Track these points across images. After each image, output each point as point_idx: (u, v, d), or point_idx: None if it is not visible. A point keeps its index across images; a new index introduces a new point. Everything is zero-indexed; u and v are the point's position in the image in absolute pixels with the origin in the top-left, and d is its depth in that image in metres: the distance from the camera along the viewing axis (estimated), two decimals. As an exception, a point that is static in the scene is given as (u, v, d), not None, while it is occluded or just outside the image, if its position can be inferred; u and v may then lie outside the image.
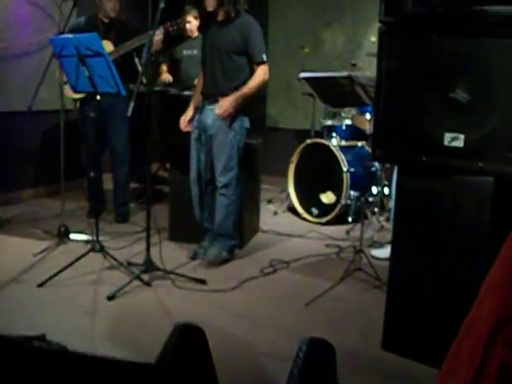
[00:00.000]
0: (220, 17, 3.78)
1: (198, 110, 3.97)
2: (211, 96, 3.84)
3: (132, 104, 3.18)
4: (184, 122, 4.07)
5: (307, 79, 3.47)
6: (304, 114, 6.87)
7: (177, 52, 6.11)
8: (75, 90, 3.70)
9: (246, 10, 3.83)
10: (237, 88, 3.77)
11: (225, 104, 3.72)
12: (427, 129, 2.55)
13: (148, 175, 3.71)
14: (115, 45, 4.69)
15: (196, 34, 6.03)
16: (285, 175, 5.65)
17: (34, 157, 5.92)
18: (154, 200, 5.84)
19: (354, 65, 5.66)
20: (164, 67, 6.12)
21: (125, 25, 4.93)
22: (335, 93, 3.42)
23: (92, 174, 4.35)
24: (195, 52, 6.02)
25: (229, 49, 3.76)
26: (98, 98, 3.52)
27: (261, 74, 3.78)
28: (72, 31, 4.54)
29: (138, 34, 4.67)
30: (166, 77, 5.98)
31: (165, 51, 5.88)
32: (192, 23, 5.92)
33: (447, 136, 2.51)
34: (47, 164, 5.80)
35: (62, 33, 4.19)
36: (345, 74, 3.43)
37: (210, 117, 3.83)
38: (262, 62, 3.79)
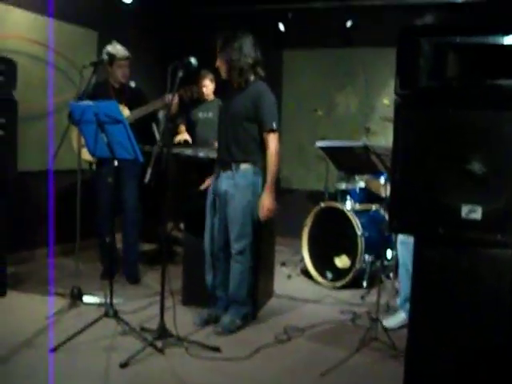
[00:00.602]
0: (234, 84, 3.86)
1: (214, 175, 4.00)
2: (225, 163, 3.87)
3: (150, 170, 3.22)
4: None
5: (323, 148, 3.50)
6: (317, 175, 6.92)
7: (193, 114, 6.22)
8: (93, 155, 3.75)
9: (261, 77, 3.90)
10: (248, 155, 3.81)
11: (265, 204, 3.78)
12: (444, 200, 2.54)
13: (164, 243, 3.71)
14: (127, 107, 4.77)
15: (212, 97, 6.15)
16: (298, 236, 5.64)
17: (49, 215, 5.96)
18: (167, 261, 5.86)
19: (368, 129, 5.73)
20: (182, 127, 6.22)
21: (134, 90, 5.06)
22: (350, 161, 3.44)
23: (107, 240, 4.33)
24: (210, 115, 6.13)
25: (241, 116, 3.82)
26: (116, 163, 3.56)
27: (273, 145, 3.80)
28: (87, 94, 4.63)
29: (147, 99, 4.79)
30: (183, 137, 6.07)
31: (182, 113, 5.98)
32: (208, 87, 6.04)
33: (464, 208, 2.50)
34: (62, 223, 5.83)
35: (81, 98, 4.27)
36: (360, 143, 3.45)
37: (224, 183, 3.86)
38: (273, 130, 3.80)
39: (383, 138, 5.86)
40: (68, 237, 5.55)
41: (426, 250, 2.68)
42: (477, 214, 2.49)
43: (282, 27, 6.98)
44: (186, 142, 6.02)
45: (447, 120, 2.55)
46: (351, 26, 6.71)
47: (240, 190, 3.79)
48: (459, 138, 2.53)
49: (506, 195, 2.44)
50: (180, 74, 3.48)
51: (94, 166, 4.94)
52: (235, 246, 3.83)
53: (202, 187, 4.19)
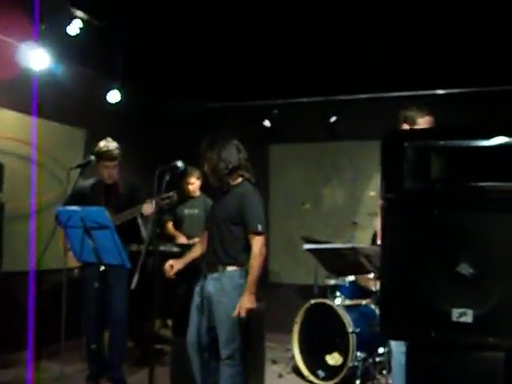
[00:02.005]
0: (221, 187, 3.89)
1: (202, 276, 3.93)
2: (212, 264, 3.82)
3: (136, 276, 3.17)
4: (169, 268, 3.98)
5: (311, 250, 3.48)
6: (306, 269, 6.86)
7: (179, 211, 6.23)
8: (79, 260, 3.71)
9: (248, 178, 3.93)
10: (235, 257, 3.78)
11: (243, 305, 3.67)
12: (435, 304, 2.51)
13: (151, 346, 3.61)
14: (115, 208, 4.66)
15: (198, 193, 6.19)
16: (288, 332, 5.53)
17: (29, 318, 5.82)
18: (154, 364, 5.68)
19: (355, 223, 5.75)
20: (170, 224, 6.22)
21: (128, 188, 4.95)
22: (339, 262, 3.43)
23: (93, 347, 4.20)
24: (196, 211, 6.15)
25: (226, 219, 3.80)
26: (102, 268, 3.51)
27: (256, 247, 3.74)
28: (76, 194, 4.64)
29: (140, 197, 4.74)
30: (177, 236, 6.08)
31: (169, 210, 5.99)
32: (194, 184, 6.09)
33: (455, 311, 2.46)
34: (47, 324, 5.69)
35: (68, 201, 4.26)
36: (349, 245, 3.45)
37: (210, 285, 3.79)
38: (257, 233, 3.75)
39: (371, 232, 5.88)
40: (53, 338, 5.44)
41: (419, 355, 2.62)
42: (468, 317, 2.45)
43: (267, 123, 7.13)
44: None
45: (433, 222, 2.55)
46: (335, 120, 6.87)
47: (227, 294, 3.72)
48: (446, 239, 2.53)
49: (495, 297, 2.41)
50: (167, 177, 3.50)
51: (76, 271, 4.82)
52: (224, 351, 3.72)
53: (169, 274, 4.00)
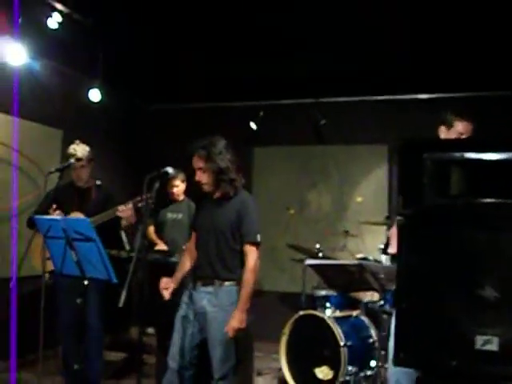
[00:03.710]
0: (217, 195, 3.64)
1: (190, 287, 3.68)
2: (206, 277, 3.58)
3: (124, 293, 2.92)
4: (165, 287, 3.72)
5: (314, 266, 3.27)
6: (290, 276, 6.69)
7: (161, 215, 5.98)
8: (60, 273, 3.43)
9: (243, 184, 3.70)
10: (232, 272, 3.54)
11: (235, 324, 3.42)
12: (456, 330, 2.31)
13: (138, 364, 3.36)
14: (87, 213, 4.41)
15: (182, 197, 5.95)
16: (272, 341, 5.38)
17: (6, 325, 5.51)
18: (130, 373, 5.44)
19: (347, 232, 5.56)
20: (151, 229, 5.97)
21: (102, 193, 4.71)
22: (343, 279, 3.22)
23: (76, 367, 3.90)
24: (180, 216, 5.91)
25: (225, 230, 3.55)
26: (86, 282, 3.25)
27: (252, 259, 3.52)
28: (48, 198, 4.45)
29: (115, 202, 4.48)
30: (160, 245, 5.84)
31: (151, 214, 5.73)
32: (179, 187, 5.86)
33: (479, 339, 2.27)
34: (23, 333, 5.39)
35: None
36: (355, 262, 3.26)
37: (204, 299, 3.54)
38: (255, 244, 3.56)
39: (360, 240, 5.71)
40: (29, 348, 5.16)
41: (437, 384, 2.43)
42: (493, 344, 2.26)
43: (253, 126, 6.90)
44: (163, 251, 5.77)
45: (455, 241, 2.36)
46: (323, 123, 6.68)
47: (223, 310, 3.48)
48: (468, 260, 2.34)
49: (522, 323, 2.23)
50: (156, 185, 3.26)
51: (48, 277, 4.54)
52: (219, 371, 3.46)
53: (165, 294, 3.73)
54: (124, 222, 4.40)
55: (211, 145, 3.57)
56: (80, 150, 4.56)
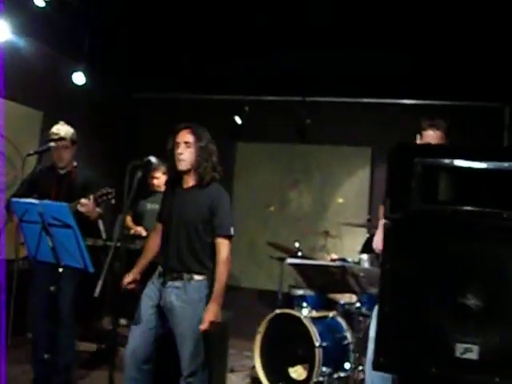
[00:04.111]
0: (188, 183, 3.53)
1: (155, 281, 3.54)
2: (174, 271, 3.45)
3: (101, 283, 2.84)
4: (127, 281, 3.58)
5: (295, 265, 3.22)
6: (267, 274, 6.64)
7: (140, 205, 5.89)
8: (34, 258, 3.33)
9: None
10: (203, 266, 3.45)
11: (209, 317, 3.32)
12: (437, 337, 2.28)
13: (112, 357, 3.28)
14: (66, 199, 4.25)
15: (163, 188, 5.84)
16: (246, 338, 5.33)
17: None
18: (102, 364, 5.35)
19: (327, 232, 5.52)
20: (128, 219, 5.87)
21: (82, 179, 4.54)
22: (324, 280, 3.18)
23: (47, 357, 3.79)
24: (158, 207, 5.82)
25: (197, 221, 3.45)
26: (61, 270, 3.17)
27: (225, 252, 3.43)
28: (28, 181, 4.32)
29: (94, 189, 4.35)
30: (137, 230, 5.74)
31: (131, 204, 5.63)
32: (160, 179, 5.76)
33: (459, 347, 2.24)
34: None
35: (21, 190, 3.90)
36: (338, 263, 3.22)
37: (172, 294, 3.41)
38: (228, 237, 3.48)
39: (339, 241, 5.68)
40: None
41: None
42: (473, 353, 2.23)
43: (238, 120, 6.84)
44: (139, 235, 5.66)
45: (440, 248, 2.33)
46: (308, 122, 6.63)
47: (192, 306, 3.38)
48: (453, 267, 2.30)
49: (503, 334, 2.21)
50: (139, 174, 3.18)
51: (21, 263, 4.44)
52: (188, 369, 3.36)
53: (127, 286, 3.59)
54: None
55: (202, 128, 3.53)
56: (64, 130, 4.46)
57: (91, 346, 5.72)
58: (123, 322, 6.54)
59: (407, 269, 2.38)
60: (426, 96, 6.55)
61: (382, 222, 3.86)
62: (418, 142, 3.80)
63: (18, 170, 5.67)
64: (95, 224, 5.15)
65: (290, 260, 3.36)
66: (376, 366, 2.66)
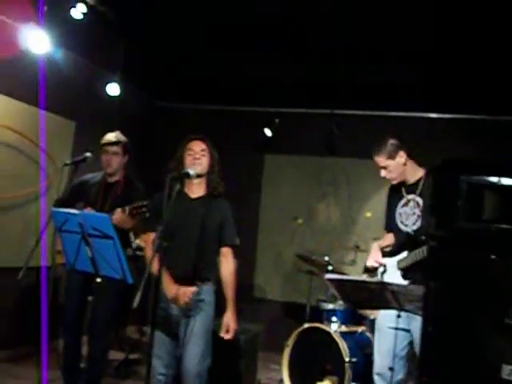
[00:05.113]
0: (196, 193, 3.58)
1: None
2: (186, 278, 3.45)
3: (139, 294, 2.85)
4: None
5: (333, 281, 3.21)
6: (293, 286, 6.62)
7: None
8: (73, 268, 3.36)
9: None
10: (212, 273, 3.54)
11: (232, 325, 3.44)
12: (482, 358, 2.26)
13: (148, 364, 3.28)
14: (111, 209, 4.33)
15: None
16: (272, 350, 5.36)
17: (7, 316, 5.44)
18: (130, 373, 5.37)
19: (358, 247, 5.50)
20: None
21: (128, 189, 4.55)
22: (361, 296, 3.16)
23: (83, 365, 3.80)
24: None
25: (208, 229, 3.51)
26: (99, 280, 3.19)
27: (232, 262, 3.57)
28: (73, 190, 4.37)
29: (137, 199, 4.37)
30: (142, 243, 5.76)
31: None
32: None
33: (506, 368, 2.22)
34: (22, 324, 5.34)
35: (61, 200, 3.94)
36: (376, 279, 3.21)
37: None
38: (234, 246, 3.60)
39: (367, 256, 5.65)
40: (24, 340, 5.10)
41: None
42: (518, 375, 2.21)
43: (268, 133, 6.84)
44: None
45: (486, 267, 2.31)
46: (337, 134, 6.63)
47: (206, 306, 3.45)
48: (499, 288, 2.29)
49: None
50: (177, 186, 3.19)
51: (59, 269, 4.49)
52: (195, 369, 3.35)
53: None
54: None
55: (209, 143, 3.66)
56: (117, 136, 4.55)
57: (119, 355, 5.74)
58: (147, 330, 6.56)
59: (451, 288, 2.36)
60: (452, 110, 6.52)
61: (375, 244, 3.95)
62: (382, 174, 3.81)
63: (51, 178, 5.76)
64: (125, 232, 5.19)
65: (328, 275, 3.34)
66: (419, 386, 2.65)
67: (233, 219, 3.62)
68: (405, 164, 3.69)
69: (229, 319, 3.44)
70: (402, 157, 3.68)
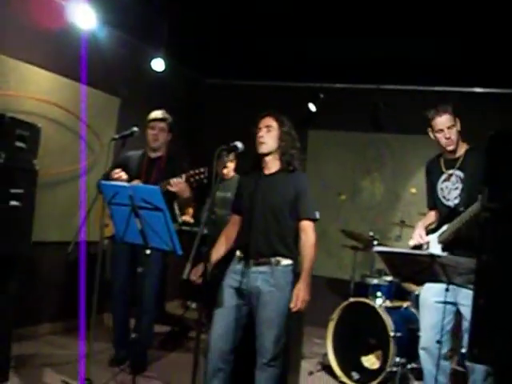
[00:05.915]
0: (271, 168, 3.56)
1: (238, 268, 3.53)
2: (261, 255, 3.45)
3: (189, 266, 2.90)
4: (196, 276, 3.46)
5: (382, 253, 3.19)
6: (338, 262, 6.62)
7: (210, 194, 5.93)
8: (122, 241, 3.42)
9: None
10: (290, 249, 3.50)
11: (302, 295, 3.39)
12: (535, 331, 2.23)
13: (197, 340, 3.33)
14: (155, 183, 4.38)
15: (232, 174, 5.85)
16: (316, 325, 5.41)
17: (54, 289, 5.59)
18: (175, 347, 5.46)
19: (403, 222, 5.45)
20: (190, 210, 5.95)
21: (170, 163, 4.68)
22: (410, 269, 3.14)
23: (133, 336, 3.90)
24: (229, 194, 5.82)
25: (283, 204, 3.47)
26: (148, 252, 3.25)
27: (313, 235, 3.52)
28: (118, 165, 4.44)
29: (180, 172, 4.40)
30: (187, 218, 5.83)
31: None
32: (229, 167, 5.75)
33: (559, 341, 2.19)
34: (67, 298, 5.48)
35: (107, 174, 4.01)
36: (425, 252, 3.18)
37: (258, 280, 3.43)
38: (314, 220, 3.54)
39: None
40: (70, 313, 5.25)
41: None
42: None
43: (313, 108, 6.80)
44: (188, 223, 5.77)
45: (540, 239, 2.27)
46: (382, 110, 6.54)
47: (280, 290, 3.41)
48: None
49: None
50: (225, 158, 3.21)
51: (106, 243, 4.59)
52: (270, 352, 3.37)
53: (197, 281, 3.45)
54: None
55: (284, 115, 3.59)
56: (164, 114, 4.73)
57: (164, 328, 5.84)
58: (192, 305, 6.66)
59: (504, 261, 2.33)
60: (500, 84, 6.36)
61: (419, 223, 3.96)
62: (431, 134, 3.75)
63: (97, 154, 5.85)
64: (171, 207, 5.26)
65: (377, 248, 3.32)
66: (470, 358, 2.63)
67: (309, 191, 3.56)
68: (460, 132, 3.66)
69: (299, 290, 3.39)
70: (458, 124, 3.64)
